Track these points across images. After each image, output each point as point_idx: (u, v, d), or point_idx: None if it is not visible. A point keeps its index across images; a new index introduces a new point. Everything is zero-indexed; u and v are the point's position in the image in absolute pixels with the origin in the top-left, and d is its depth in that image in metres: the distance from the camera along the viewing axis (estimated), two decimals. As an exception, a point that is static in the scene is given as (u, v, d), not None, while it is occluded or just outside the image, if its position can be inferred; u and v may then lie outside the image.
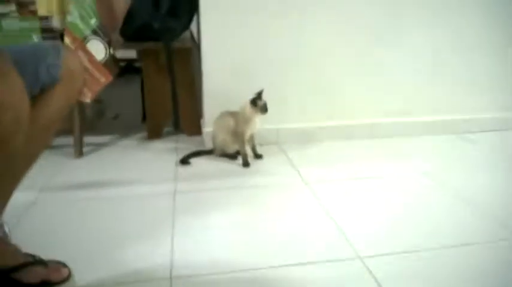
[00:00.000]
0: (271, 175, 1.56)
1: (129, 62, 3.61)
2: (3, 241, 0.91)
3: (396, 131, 1.97)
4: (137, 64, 3.17)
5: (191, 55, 1.90)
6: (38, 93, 0.86)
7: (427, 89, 1.98)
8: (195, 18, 1.93)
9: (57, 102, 0.90)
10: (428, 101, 2.00)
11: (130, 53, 3.02)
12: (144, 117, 2.09)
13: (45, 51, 0.87)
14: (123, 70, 3.67)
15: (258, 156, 1.70)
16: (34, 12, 1.50)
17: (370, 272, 0.97)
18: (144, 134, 1.98)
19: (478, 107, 2.04)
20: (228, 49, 1.76)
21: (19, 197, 1.29)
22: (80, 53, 1.51)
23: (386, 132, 1.96)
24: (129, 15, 1.70)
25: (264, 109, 1.58)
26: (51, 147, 1.80)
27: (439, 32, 1.91)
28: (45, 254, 0.93)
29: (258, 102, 1.58)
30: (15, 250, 0.90)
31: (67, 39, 1.49)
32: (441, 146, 1.90)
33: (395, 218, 1.24)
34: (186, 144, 1.86)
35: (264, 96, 1.60)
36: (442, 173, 1.57)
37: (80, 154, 1.72)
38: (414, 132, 1.98)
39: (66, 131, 1.73)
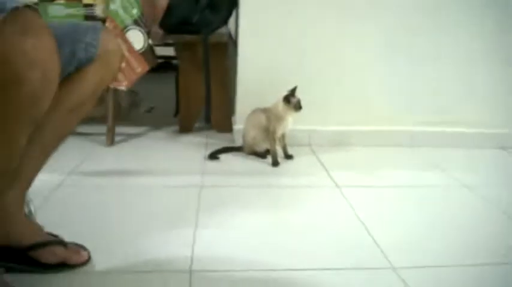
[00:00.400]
0: (301, 176, 1.50)
1: (167, 59, 3.68)
2: (26, 219, 0.90)
3: (436, 141, 1.86)
4: (174, 62, 3.21)
5: (227, 50, 1.89)
6: (73, 71, 0.85)
7: (468, 100, 1.87)
8: (234, 14, 1.92)
9: (92, 80, 0.89)
10: (470, 112, 1.89)
11: (168, 51, 3.07)
12: (176, 112, 2.10)
13: (85, 30, 0.87)
14: (161, 67, 3.75)
15: (288, 156, 1.65)
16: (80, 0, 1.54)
17: (406, 284, 0.88)
18: (176, 128, 1.98)
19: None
20: (265, 47, 1.74)
21: (47, 178, 1.32)
22: (119, 42, 1.53)
23: (425, 142, 1.86)
24: (170, 8, 1.71)
25: (297, 106, 1.53)
26: (84, 134, 1.83)
27: (480, 44, 1.81)
28: (66, 236, 0.92)
29: (291, 99, 1.53)
30: (38, 228, 0.90)
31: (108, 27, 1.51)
32: (484, 159, 1.78)
33: (431, 229, 1.15)
34: (216, 140, 1.84)
35: (298, 96, 1.55)
36: (484, 186, 1.45)
37: (111, 142, 1.73)
38: (455, 143, 1.87)
39: (100, 119, 1.76)
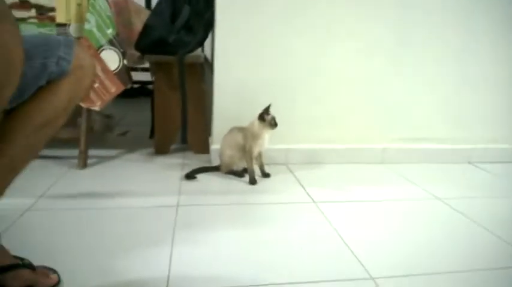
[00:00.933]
0: (278, 193, 1.50)
1: (143, 84, 3.68)
2: None
3: (406, 157, 1.93)
4: (150, 87, 3.21)
5: (203, 71, 1.91)
6: (44, 84, 0.84)
7: (437, 118, 1.97)
8: (210, 37, 1.96)
9: (63, 95, 0.87)
10: (440, 130, 1.98)
11: (145, 76, 3.08)
12: (152, 134, 2.08)
13: (57, 43, 0.86)
14: (137, 92, 3.75)
15: (265, 175, 1.65)
16: (53, 19, 1.53)
17: (384, 293, 0.89)
18: (151, 150, 1.96)
19: (487, 138, 2.02)
20: (240, 68, 1.76)
21: (16, 202, 1.28)
22: (93, 58, 1.52)
23: (396, 159, 1.92)
24: (146, 29, 1.72)
25: (272, 123, 1.55)
26: (56, 157, 1.78)
27: (452, 65, 1.92)
28: (35, 260, 0.88)
29: (265, 117, 1.55)
30: (2, 251, 0.85)
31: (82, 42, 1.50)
32: (452, 173, 1.85)
33: (407, 240, 1.17)
34: (193, 161, 1.82)
35: (273, 114, 1.57)
36: (455, 198, 1.50)
37: (84, 164, 1.68)
38: (424, 159, 1.95)
39: (72, 142, 1.71)
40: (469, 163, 1.99)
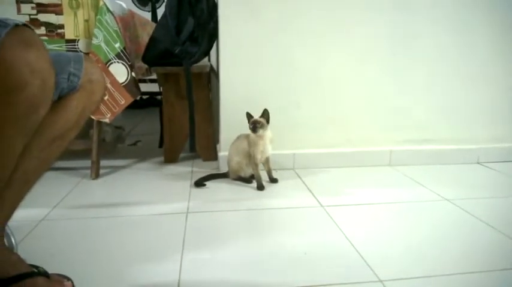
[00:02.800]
0: (286, 198, 1.52)
1: (152, 95, 3.74)
2: (7, 249, 0.89)
3: (413, 159, 1.93)
4: (159, 97, 3.27)
5: (209, 80, 1.94)
6: (56, 100, 0.88)
7: (442, 118, 1.96)
8: (215, 47, 2.00)
9: (74, 110, 0.91)
10: (447, 130, 1.97)
11: (153, 87, 3.14)
12: (161, 143, 2.12)
13: (68, 60, 0.90)
14: (146, 103, 3.81)
15: (273, 180, 1.67)
16: (62, 36, 1.58)
17: (392, 295, 0.89)
18: (161, 158, 1.99)
19: (495, 137, 2.01)
20: (246, 75, 1.79)
21: (31, 212, 1.32)
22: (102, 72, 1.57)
23: (403, 161, 1.92)
24: (152, 42, 1.77)
25: (251, 128, 1.56)
26: (69, 169, 1.82)
27: (454, 64, 1.92)
28: (50, 268, 0.91)
29: (250, 121, 1.58)
30: (18, 260, 0.88)
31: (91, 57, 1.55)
32: (461, 173, 1.84)
33: (415, 242, 1.17)
34: (201, 168, 1.85)
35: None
36: (463, 198, 1.49)
37: (96, 175, 1.73)
38: (432, 160, 1.94)
39: (84, 153, 1.76)
40: (478, 163, 1.98)
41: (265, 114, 1.58)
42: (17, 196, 0.87)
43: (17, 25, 0.63)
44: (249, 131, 1.63)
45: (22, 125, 0.68)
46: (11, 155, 0.70)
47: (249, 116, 1.59)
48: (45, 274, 0.89)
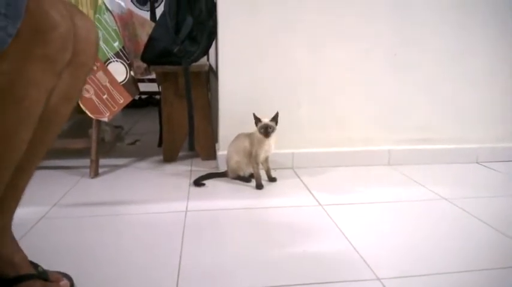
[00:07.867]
0: (285, 197, 1.52)
1: (151, 94, 3.74)
2: (13, 248, 0.88)
3: (412, 159, 1.93)
4: (158, 97, 3.28)
5: (208, 79, 1.94)
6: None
7: (442, 118, 1.97)
8: (214, 46, 2.00)
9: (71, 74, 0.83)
10: (445, 130, 1.98)
11: (152, 87, 3.14)
12: (160, 142, 2.12)
13: None
14: (145, 102, 3.81)
15: (272, 179, 1.67)
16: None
17: (390, 293, 0.89)
18: (160, 157, 2.00)
19: (495, 137, 2.01)
20: (245, 75, 1.80)
21: (31, 210, 1.32)
22: (101, 74, 1.57)
23: (402, 160, 1.92)
24: (151, 41, 1.77)
25: (261, 132, 1.56)
26: (67, 167, 1.83)
27: (454, 64, 1.92)
28: (49, 266, 0.91)
29: (258, 124, 1.57)
30: (21, 260, 0.88)
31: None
32: (460, 173, 1.84)
33: (414, 240, 1.17)
34: (200, 167, 1.86)
35: (280, 121, 1.59)
36: (463, 198, 1.49)
37: (95, 173, 1.73)
38: (431, 160, 1.95)
39: (83, 152, 1.76)
40: (477, 162, 1.98)
41: (276, 117, 1.57)
42: (25, 183, 0.86)
43: None
44: (249, 131, 1.64)
45: (55, 62, 0.73)
46: (38, 106, 0.73)
47: (256, 118, 1.58)
48: (44, 275, 0.88)
